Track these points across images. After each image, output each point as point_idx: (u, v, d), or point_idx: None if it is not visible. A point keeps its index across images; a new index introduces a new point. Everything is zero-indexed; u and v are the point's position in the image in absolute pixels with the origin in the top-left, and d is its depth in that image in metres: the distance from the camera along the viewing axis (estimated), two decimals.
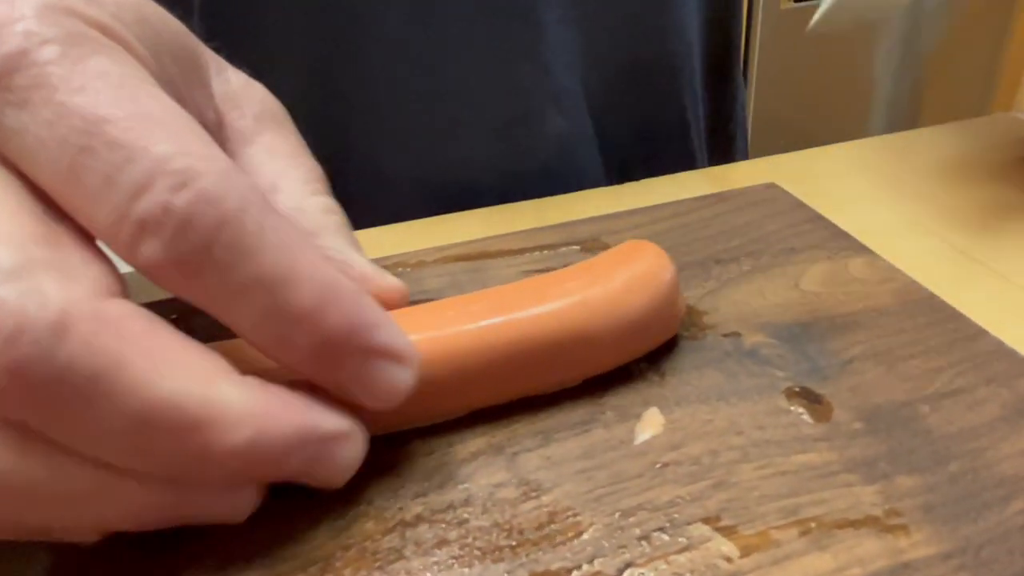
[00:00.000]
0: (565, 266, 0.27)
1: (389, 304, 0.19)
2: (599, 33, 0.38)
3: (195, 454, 0.14)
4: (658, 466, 0.18)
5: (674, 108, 0.42)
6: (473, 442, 0.19)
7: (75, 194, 0.14)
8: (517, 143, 0.38)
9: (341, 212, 0.21)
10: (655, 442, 0.19)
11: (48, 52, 0.14)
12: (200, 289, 0.15)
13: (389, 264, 0.28)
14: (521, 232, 0.30)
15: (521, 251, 0.28)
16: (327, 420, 0.16)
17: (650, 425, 0.20)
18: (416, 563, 0.16)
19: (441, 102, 0.36)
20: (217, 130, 0.20)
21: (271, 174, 0.20)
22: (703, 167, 0.45)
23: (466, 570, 0.16)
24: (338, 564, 0.16)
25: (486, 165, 0.38)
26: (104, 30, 0.16)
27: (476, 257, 0.28)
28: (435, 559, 0.17)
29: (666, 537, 0.17)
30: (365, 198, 0.32)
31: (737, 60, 0.47)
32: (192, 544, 0.17)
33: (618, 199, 0.34)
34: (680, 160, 0.44)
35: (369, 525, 0.17)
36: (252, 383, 0.15)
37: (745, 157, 0.50)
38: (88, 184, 0.14)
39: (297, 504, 0.18)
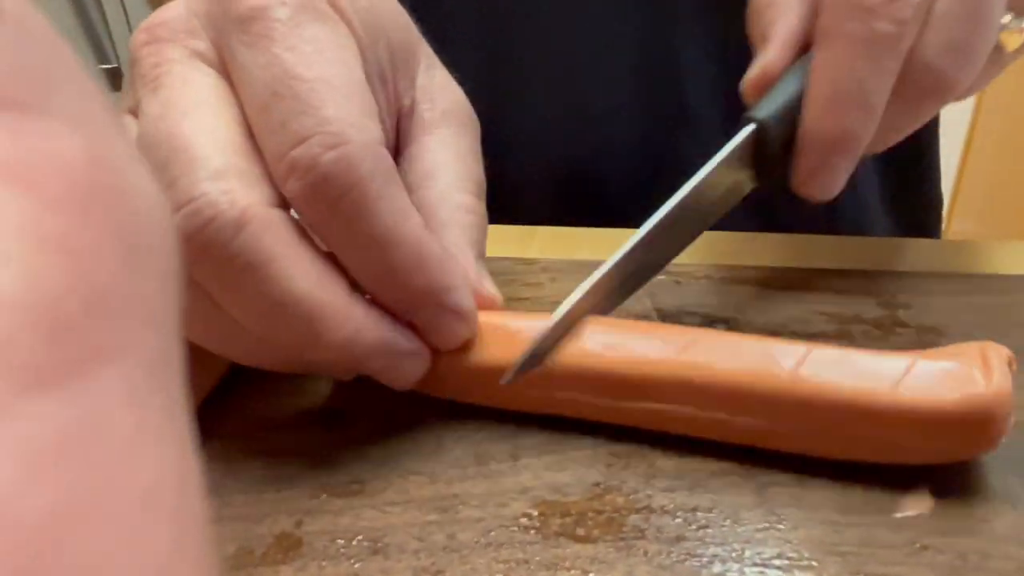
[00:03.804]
0: (856, 316, 0.26)
1: (480, 305, 0.22)
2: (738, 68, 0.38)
3: (306, 340, 0.19)
4: (917, 546, 0.18)
5: None
6: (726, 462, 0.21)
7: (260, 125, 0.18)
8: (649, 159, 0.40)
9: (481, 216, 0.23)
10: (918, 521, 0.19)
11: (281, 12, 0.19)
12: (324, 229, 0.19)
13: (680, 271, 0.29)
14: (816, 270, 0.29)
15: (813, 289, 0.28)
16: (403, 340, 0.20)
17: (917, 503, 0.19)
18: (654, 547, 0.18)
19: (583, 122, 0.40)
20: (408, 114, 0.23)
21: (434, 163, 0.23)
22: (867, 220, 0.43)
23: (697, 566, 0.18)
24: (590, 523, 0.19)
25: (620, 173, 0.40)
26: (333, 5, 0.20)
27: (766, 285, 0.28)
28: (671, 549, 0.18)
29: None
30: (506, 193, 0.37)
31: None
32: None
33: (919, 254, 0.31)
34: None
35: (620, 500, 0.20)
36: (358, 300, 0.19)
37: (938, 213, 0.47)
38: (270, 121, 0.18)
39: (563, 460, 0.21)
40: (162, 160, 0.18)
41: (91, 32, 1.36)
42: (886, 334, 0.25)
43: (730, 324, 0.26)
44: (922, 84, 0.22)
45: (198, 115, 0.18)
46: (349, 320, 0.19)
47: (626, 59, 0.39)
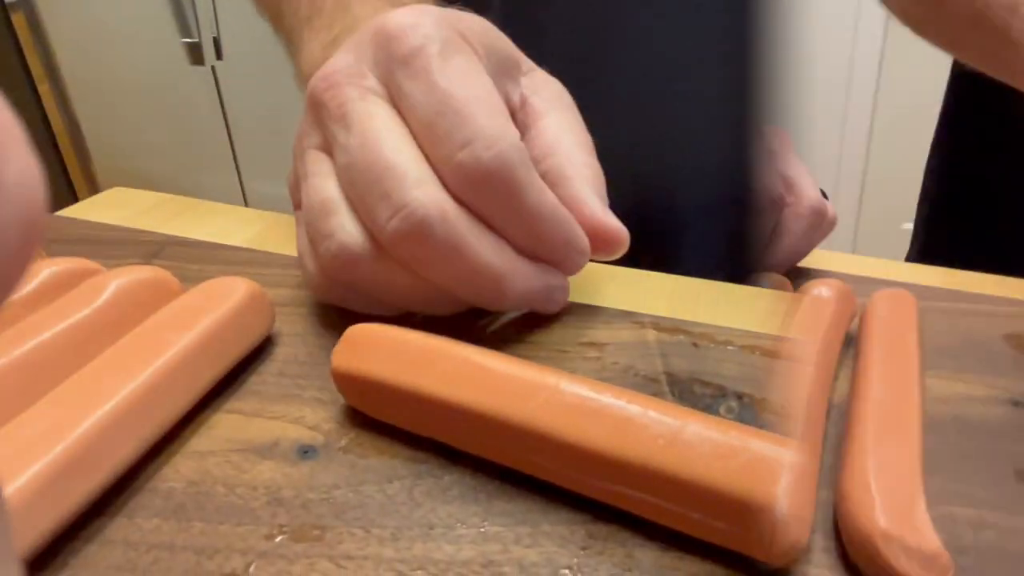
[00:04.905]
0: None
1: (606, 236, 0.27)
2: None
3: (493, 296, 0.25)
4: None
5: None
6: (711, 563, 0.19)
7: (429, 139, 0.24)
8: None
9: (597, 170, 0.28)
10: None
11: (434, 48, 0.24)
12: (488, 211, 0.24)
13: (700, 332, 0.28)
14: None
15: (841, 366, 0.26)
16: (555, 278, 0.27)
17: None
18: None
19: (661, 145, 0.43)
20: (521, 106, 0.29)
21: (554, 137, 0.28)
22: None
23: None
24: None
25: (691, 206, 0.43)
26: (464, 37, 0.25)
27: (792, 358, 0.26)
28: None
29: None
30: None
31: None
32: None
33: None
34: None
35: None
36: (522, 258, 0.26)
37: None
38: (436, 134, 0.23)
39: (536, 535, 0.19)
40: (374, 179, 0.23)
41: (177, 6, 1.40)
42: None
43: (743, 401, 0.24)
44: None
45: (390, 139, 0.24)
46: (521, 276, 0.25)
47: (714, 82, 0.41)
